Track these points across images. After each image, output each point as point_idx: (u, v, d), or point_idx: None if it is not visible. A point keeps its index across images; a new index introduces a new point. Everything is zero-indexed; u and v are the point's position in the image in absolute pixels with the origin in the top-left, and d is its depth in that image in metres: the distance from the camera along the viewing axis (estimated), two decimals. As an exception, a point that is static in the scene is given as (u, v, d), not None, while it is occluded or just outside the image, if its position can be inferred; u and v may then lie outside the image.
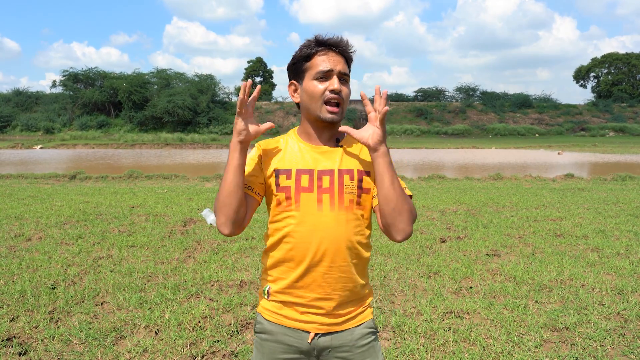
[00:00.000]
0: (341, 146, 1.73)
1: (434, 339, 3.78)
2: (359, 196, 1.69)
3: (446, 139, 46.23)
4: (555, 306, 4.44)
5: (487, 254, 6.11)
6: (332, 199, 1.66)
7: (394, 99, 64.51)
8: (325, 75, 1.67)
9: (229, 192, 1.60)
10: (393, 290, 4.86)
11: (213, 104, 53.46)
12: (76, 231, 7.23)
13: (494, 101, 61.19)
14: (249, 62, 73.43)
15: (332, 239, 1.66)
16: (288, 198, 1.68)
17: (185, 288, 4.82)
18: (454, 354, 3.53)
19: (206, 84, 55.57)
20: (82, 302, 4.47)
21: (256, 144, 1.79)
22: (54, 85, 58.15)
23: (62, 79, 56.27)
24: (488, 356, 3.49)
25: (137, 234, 7.05)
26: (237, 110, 1.62)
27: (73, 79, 56.23)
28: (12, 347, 3.59)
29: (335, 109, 1.67)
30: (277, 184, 1.69)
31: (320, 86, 1.67)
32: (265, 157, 1.74)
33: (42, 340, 3.69)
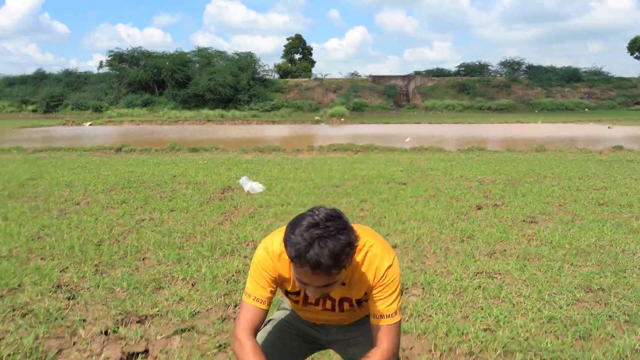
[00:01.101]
0: (344, 283, 1.79)
1: (462, 296, 3.79)
2: (358, 306, 1.89)
3: (489, 115, 44.95)
4: (591, 269, 4.35)
5: (524, 221, 6.01)
6: (333, 311, 1.91)
7: (436, 74, 62.97)
8: (303, 284, 1.63)
9: None
10: (425, 252, 4.87)
11: (253, 81, 53.74)
12: (121, 197, 7.55)
13: (540, 75, 58.77)
14: (288, 39, 73.09)
15: (329, 320, 1.99)
16: (296, 302, 1.93)
17: (221, 247, 4.99)
18: (482, 309, 3.54)
19: (246, 62, 55.84)
20: (125, 257, 4.70)
21: (264, 257, 1.78)
22: (100, 65, 59.90)
23: (108, 59, 57.82)
24: (517, 312, 3.48)
25: (178, 200, 7.30)
26: None
27: (118, 59, 57.67)
28: (61, 292, 3.85)
29: (319, 297, 1.72)
30: (289, 297, 1.93)
31: (301, 284, 1.64)
32: (279, 277, 1.82)
33: (88, 289, 3.93)
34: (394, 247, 5.01)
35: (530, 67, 62.23)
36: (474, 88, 57.58)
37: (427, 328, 3.25)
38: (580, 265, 4.44)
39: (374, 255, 1.75)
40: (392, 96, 53.00)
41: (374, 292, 1.75)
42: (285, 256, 1.72)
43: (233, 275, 4.18)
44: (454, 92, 58.07)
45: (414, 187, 8.24)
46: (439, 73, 64.86)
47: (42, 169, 10.61)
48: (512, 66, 63.22)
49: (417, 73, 62.79)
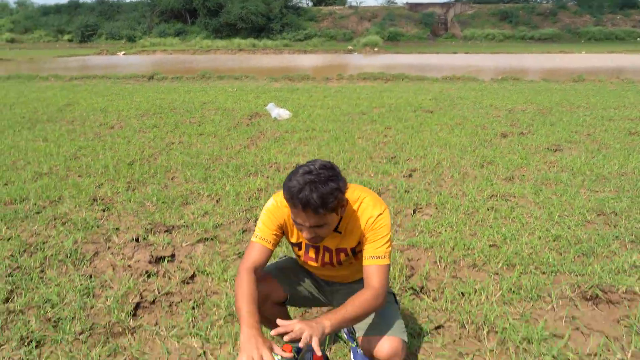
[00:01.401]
0: (340, 232, 1.93)
1: (474, 216, 3.91)
2: (354, 257, 2.02)
3: (532, 44, 42.85)
4: (608, 194, 4.37)
5: (548, 149, 5.96)
6: (332, 265, 2.04)
7: (477, 1, 59.70)
8: (299, 225, 1.78)
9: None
10: (443, 176, 4.96)
11: (286, 9, 52.39)
12: (152, 121, 7.82)
13: (590, 2, 54.96)
14: (322, -36, 70.01)
15: (331, 276, 2.15)
16: (299, 256, 2.10)
17: (246, 168, 5.20)
18: (491, 227, 3.66)
19: (279, -11, 54.18)
20: (155, 175, 4.98)
21: (274, 207, 1.95)
22: (133, -7, 59.23)
23: (141, -14, 57.04)
24: (525, 231, 3.59)
25: (206, 125, 7.51)
26: None
27: (151, -13, 56.86)
28: (97, 205, 4.17)
29: (315, 241, 1.85)
30: (293, 249, 2.09)
31: (296, 225, 1.80)
32: (285, 227, 1.98)
33: (121, 202, 4.23)
34: (413, 171, 5.11)
35: (581, -8, 58.06)
36: (517, 16, 54.50)
37: (435, 242, 3.41)
38: (597, 191, 4.46)
39: (366, 205, 1.91)
40: (430, 25, 50.82)
41: (366, 237, 1.90)
42: (289, 212, 1.91)
43: (255, 193, 4.40)
44: (495, 20, 55.17)
45: (440, 115, 8.18)
46: (480, 0, 61.41)
47: (78, 96, 10.96)
48: (560, -9, 59.12)
49: (458, 0, 59.61)
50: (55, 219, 3.83)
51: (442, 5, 54.21)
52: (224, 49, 35.74)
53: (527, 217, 3.88)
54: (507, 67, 19.43)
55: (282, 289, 2.07)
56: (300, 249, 2.05)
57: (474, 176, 4.93)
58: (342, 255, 2.00)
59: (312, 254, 2.03)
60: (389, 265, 1.93)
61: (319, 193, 1.65)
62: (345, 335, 2.43)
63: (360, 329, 1.96)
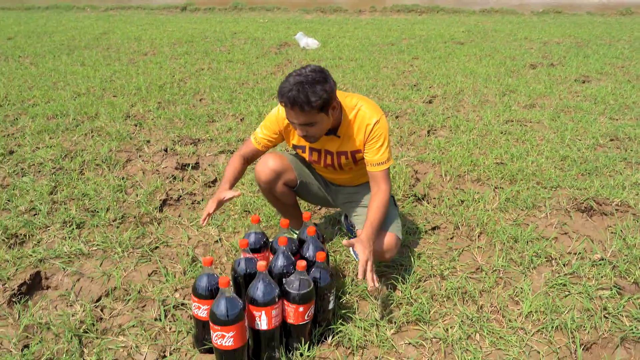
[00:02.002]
0: (339, 136, 2.09)
1: (486, 137, 4.02)
2: (355, 163, 2.19)
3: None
4: (627, 122, 4.37)
5: (576, 80, 5.88)
6: (334, 168, 2.22)
7: None
8: (292, 123, 1.94)
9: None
10: (463, 102, 5.02)
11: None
12: (183, 49, 8.01)
13: None
14: None
15: (336, 179, 2.36)
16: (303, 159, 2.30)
17: (270, 92, 5.38)
18: (500, 147, 3.77)
19: None
20: (184, 96, 5.23)
21: (277, 121, 2.14)
22: None
23: None
24: (534, 151, 3.69)
25: (236, 52, 7.66)
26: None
27: None
28: (130, 120, 4.47)
29: (309, 140, 2.01)
30: (297, 152, 2.28)
31: (293, 127, 2.00)
32: (285, 132, 2.17)
33: (152, 119, 4.51)
34: (434, 97, 5.19)
35: None
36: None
37: (443, 158, 3.57)
38: (616, 119, 4.46)
39: (364, 113, 2.07)
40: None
41: (367, 146, 2.09)
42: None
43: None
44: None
45: (470, 47, 8.05)
46: None
47: (114, 25, 11.19)
48: None
49: None
50: (92, 131, 4.16)
51: None
52: None
53: (539, 139, 3.96)
54: (552, 1, 18.43)
55: (294, 173, 2.28)
56: (303, 151, 2.24)
57: (494, 103, 4.97)
58: (343, 159, 2.18)
59: (315, 156, 2.22)
60: (390, 165, 2.14)
61: (305, 92, 1.81)
62: (345, 227, 2.67)
63: (360, 224, 2.19)
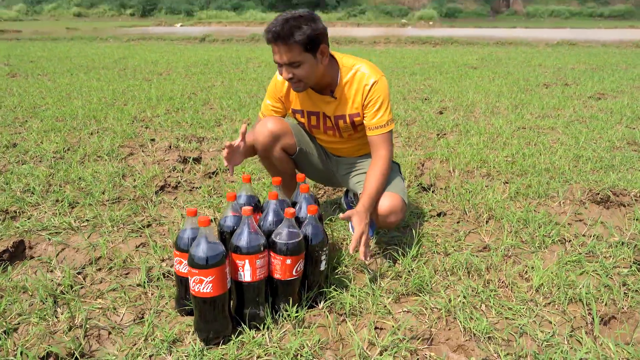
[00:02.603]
0: (335, 97, 2.01)
1: (496, 139, 3.90)
2: (354, 129, 2.11)
3: (599, 21, 40.44)
4: (645, 130, 4.22)
5: (591, 97, 5.77)
6: (335, 133, 2.16)
7: (543, -25, 56.72)
8: (278, 64, 1.87)
9: None
10: (474, 113, 4.93)
11: (342, -16, 51.90)
12: (198, 69, 8.13)
13: (670, -24, 50.94)
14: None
15: (337, 149, 2.27)
16: (303, 126, 2.23)
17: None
18: (511, 147, 3.65)
19: (336, -37, 53.66)
20: (193, 105, 5.23)
21: (276, 87, 2.12)
22: (192, -32, 60.39)
23: (200, -39, 58.02)
24: (546, 152, 3.55)
25: (249, 72, 7.73)
26: (226, 156, 2.02)
27: (209, -38, 57.74)
28: (137, 122, 4.46)
29: (294, 85, 1.92)
30: (295, 118, 2.21)
31: (278, 69, 1.90)
32: (285, 97, 2.13)
33: (159, 123, 4.49)
34: (445, 109, 5.11)
35: (658, -34, 53.92)
36: (585, -9, 51.47)
37: (451, 155, 3.45)
38: (634, 128, 4.32)
39: (362, 73, 1.98)
40: (490, 1, 49.05)
41: (366, 110, 1.99)
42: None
43: (284, 117, 4.56)
44: (561, -4, 52.46)
45: (483, 70, 8.03)
46: (546, -26, 58.29)
47: (133, 52, 11.48)
48: (635, -35, 55.14)
49: (521, -25, 56.80)
50: (98, 131, 4.14)
51: (504, -20, 52.07)
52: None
53: (552, 142, 3.83)
54: (565, 38, 18.53)
55: (294, 138, 2.18)
56: (302, 116, 2.15)
57: (506, 114, 4.87)
58: (341, 122, 2.08)
59: (313, 121, 2.14)
60: (392, 131, 2.03)
61: (289, 26, 1.75)
62: (345, 206, 2.55)
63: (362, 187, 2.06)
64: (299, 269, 1.62)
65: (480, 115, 4.81)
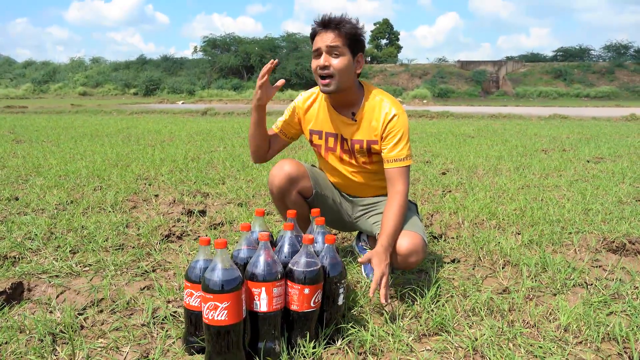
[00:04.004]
0: (355, 120, 2.04)
1: (502, 195, 3.89)
2: (369, 157, 2.09)
3: (586, 102, 42.03)
4: (649, 188, 4.23)
5: (589, 161, 5.84)
6: (350, 157, 2.12)
7: (529, 59, 59.71)
8: (317, 52, 1.92)
9: (250, 137, 2.18)
10: (477, 173, 4.96)
11: (338, 66, 54.29)
12: (201, 137, 8.26)
13: (650, 60, 53.70)
14: (375, 24, 72.71)
15: (352, 186, 2.22)
16: (319, 154, 2.21)
17: (283, 164, 5.40)
18: (519, 201, 3.62)
19: (332, 47, 56.46)
20: (197, 165, 5.25)
21: (296, 106, 2.18)
22: (195, 51, 63.36)
23: (202, 45, 61.05)
24: (554, 206, 3.52)
25: (250, 139, 7.85)
26: (259, 82, 1.96)
27: (212, 45, 60.69)
28: (141, 180, 4.44)
29: (325, 81, 1.93)
30: (311, 141, 2.19)
31: (314, 62, 1.94)
32: (303, 116, 2.16)
33: (163, 180, 4.48)
34: (447, 170, 5.14)
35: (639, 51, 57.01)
36: (571, 74, 53.93)
37: (460, 208, 3.42)
38: (638, 186, 4.33)
39: (385, 104, 2.00)
40: (481, 82, 51.09)
41: (385, 141, 1.99)
42: (312, 101, 2.14)
43: (288, 176, 4.56)
44: (548, 78, 54.80)
45: (481, 139, 8.19)
46: (533, 58, 61.40)
47: (136, 122, 11.73)
48: (617, 50, 58.31)
49: (509, 59, 59.78)
50: (101, 187, 4.12)
51: (493, 63, 54.55)
52: (277, 98, 37.21)
53: (559, 197, 3.82)
54: (557, 113, 19.14)
55: (310, 181, 2.16)
56: (320, 137, 2.14)
57: (508, 174, 4.90)
58: (357, 147, 2.05)
59: (331, 142, 2.12)
60: (410, 166, 2.01)
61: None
62: (358, 250, 2.47)
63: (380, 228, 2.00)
64: (317, 300, 1.53)
65: (483, 175, 4.84)
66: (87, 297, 1.99)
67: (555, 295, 2.03)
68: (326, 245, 1.62)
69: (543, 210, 3.34)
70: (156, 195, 3.88)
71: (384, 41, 70.53)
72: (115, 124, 11.37)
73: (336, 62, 1.89)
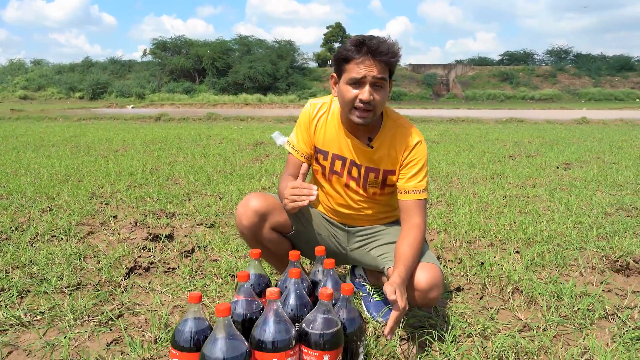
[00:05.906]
0: (372, 147, 1.78)
1: (487, 208, 3.74)
2: (382, 188, 1.84)
3: (532, 104, 43.64)
4: (627, 195, 4.20)
5: (558, 167, 5.84)
6: (358, 186, 1.85)
7: (478, 63, 61.49)
8: (358, 82, 1.62)
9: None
10: (453, 183, 4.82)
11: (292, 69, 54.00)
12: (157, 146, 7.79)
13: (589, 64, 56.39)
14: (328, 27, 72.97)
15: (353, 216, 1.93)
16: (323, 174, 1.90)
17: (250, 175, 5.08)
18: (506, 216, 3.48)
19: (285, 50, 56.08)
20: (157, 180, 4.85)
21: (311, 116, 1.86)
22: (144, 54, 61.36)
23: (152, 47, 59.24)
24: (543, 218, 3.40)
25: (211, 148, 7.46)
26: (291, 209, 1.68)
27: (162, 48, 58.99)
28: (95, 199, 4.02)
29: (365, 115, 1.67)
30: (317, 159, 1.90)
31: (352, 91, 1.64)
32: (314, 128, 1.86)
33: (121, 198, 4.07)
34: (422, 180, 4.97)
35: (579, 56, 59.83)
36: (517, 77, 55.94)
37: (449, 225, 3.23)
38: (614, 194, 4.30)
39: (406, 130, 1.77)
40: (432, 85, 52.13)
41: (404, 169, 1.76)
42: (322, 113, 1.84)
43: (259, 190, 4.25)
44: (496, 81, 56.60)
45: (447, 144, 8.14)
46: (481, 62, 63.30)
47: (85, 130, 11.03)
48: (559, 55, 60.98)
49: (459, 62, 61.36)
50: (50, 209, 3.68)
51: (443, 66, 55.85)
52: (230, 102, 36.54)
53: (544, 210, 3.71)
54: (509, 117, 19.63)
55: (283, 213, 1.85)
56: (325, 158, 1.86)
57: (485, 183, 4.78)
58: (372, 177, 1.81)
59: (337, 166, 1.85)
60: (427, 200, 1.78)
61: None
62: (355, 285, 2.21)
63: (390, 260, 1.77)
64: (337, 366, 1.26)
65: (459, 185, 4.70)
66: (41, 359, 1.64)
67: (581, 331, 1.84)
68: (342, 296, 1.36)
69: (534, 226, 3.19)
70: (114, 217, 3.49)
71: (336, 44, 70.84)
72: (62, 131, 10.65)
73: (379, 94, 1.64)
